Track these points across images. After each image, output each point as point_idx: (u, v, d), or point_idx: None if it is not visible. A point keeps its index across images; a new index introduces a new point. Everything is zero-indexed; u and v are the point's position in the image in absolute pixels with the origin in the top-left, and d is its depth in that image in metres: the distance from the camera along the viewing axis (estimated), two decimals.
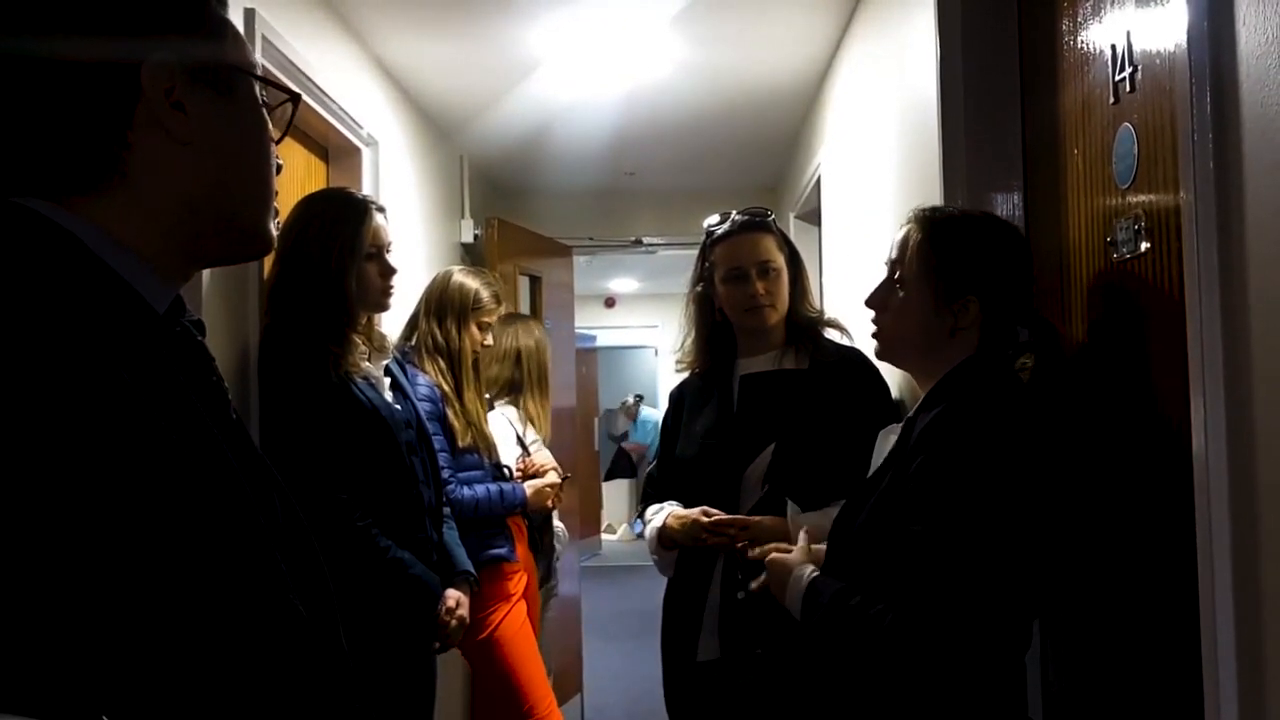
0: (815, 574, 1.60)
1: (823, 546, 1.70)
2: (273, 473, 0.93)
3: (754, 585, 1.80)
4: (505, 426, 3.34)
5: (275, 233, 1.01)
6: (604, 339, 11.11)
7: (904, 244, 1.59)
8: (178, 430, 0.78)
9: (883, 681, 1.45)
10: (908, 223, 1.61)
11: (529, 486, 3.14)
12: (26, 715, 0.65)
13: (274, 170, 0.99)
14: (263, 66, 2.24)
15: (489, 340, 3.11)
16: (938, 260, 1.54)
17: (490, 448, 3.06)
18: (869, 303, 1.65)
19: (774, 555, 1.75)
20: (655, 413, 11.19)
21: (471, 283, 3.07)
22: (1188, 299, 1.20)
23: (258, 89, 0.97)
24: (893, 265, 1.61)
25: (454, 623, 2.39)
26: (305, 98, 2.91)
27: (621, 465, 11.14)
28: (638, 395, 11.84)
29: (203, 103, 0.91)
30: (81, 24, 0.85)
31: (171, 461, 0.75)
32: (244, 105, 0.95)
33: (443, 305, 3.02)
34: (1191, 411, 1.20)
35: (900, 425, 1.63)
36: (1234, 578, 1.13)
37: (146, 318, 0.85)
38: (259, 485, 0.88)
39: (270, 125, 0.99)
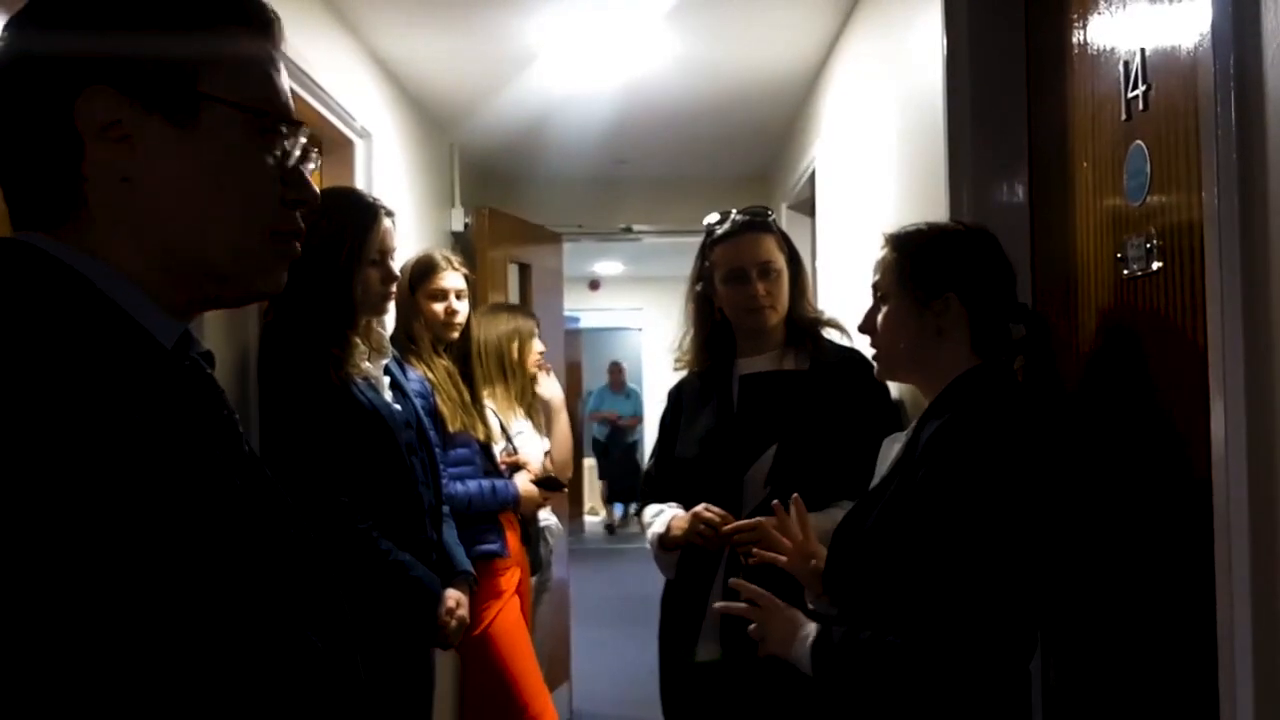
0: (820, 627, 1.58)
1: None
2: (289, 503, 0.92)
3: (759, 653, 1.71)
4: (489, 416, 3.27)
5: (278, 279, 0.93)
6: (588, 321, 11.12)
7: (880, 265, 1.66)
8: (192, 470, 0.77)
9: (899, 703, 1.47)
10: (882, 247, 1.67)
11: (521, 484, 3.12)
12: None
13: (269, 209, 0.89)
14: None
15: (456, 306, 2.96)
16: (911, 266, 1.60)
17: (475, 425, 2.97)
18: (862, 329, 1.71)
19: (777, 610, 1.68)
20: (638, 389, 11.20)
21: (410, 261, 2.96)
22: (1209, 314, 1.21)
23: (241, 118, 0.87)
24: (875, 288, 1.68)
25: (454, 623, 2.39)
26: (299, 90, 2.88)
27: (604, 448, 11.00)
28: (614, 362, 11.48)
29: (152, 135, 0.83)
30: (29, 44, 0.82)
31: (187, 501, 0.74)
32: (212, 137, 0.85)
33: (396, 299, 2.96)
34: (1211, 425, 1.20)
35: (904, 434, 1.65)
36: (1253, 594, 1.14)
37: (155, 354, 0.83)
38: (274, 519, 0.87)
39: (267, 158, 0.88)
